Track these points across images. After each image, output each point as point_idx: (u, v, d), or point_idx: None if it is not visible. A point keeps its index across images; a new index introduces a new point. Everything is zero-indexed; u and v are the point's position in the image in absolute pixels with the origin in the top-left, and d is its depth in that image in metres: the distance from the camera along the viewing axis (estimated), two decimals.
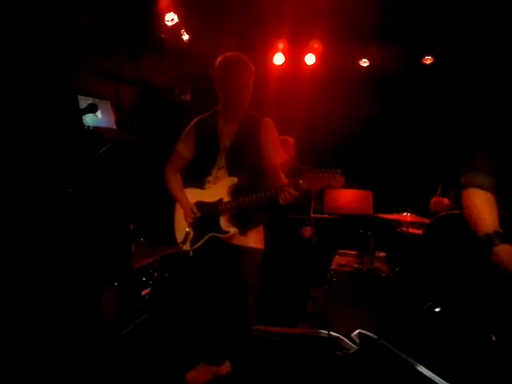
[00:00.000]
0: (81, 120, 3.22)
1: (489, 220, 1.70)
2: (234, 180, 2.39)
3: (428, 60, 4.93)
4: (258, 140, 2.43)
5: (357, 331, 1.09)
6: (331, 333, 1.10)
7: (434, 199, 3.78)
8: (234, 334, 2.46)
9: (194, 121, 2.60)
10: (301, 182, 2.11)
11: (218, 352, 2.57)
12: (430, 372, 0.99)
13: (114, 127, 3.70)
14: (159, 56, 4.40)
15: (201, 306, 2.56)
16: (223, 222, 2.39)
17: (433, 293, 1.82)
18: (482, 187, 1.74)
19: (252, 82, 2.42)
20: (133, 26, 3.98)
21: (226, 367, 2.57)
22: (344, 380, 1.07)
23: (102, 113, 3.57)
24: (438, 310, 1.59)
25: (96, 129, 3.41)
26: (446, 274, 1.80)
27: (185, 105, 4.42)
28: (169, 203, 2.67)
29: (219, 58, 2.43)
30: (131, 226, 3.47)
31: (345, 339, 1.11)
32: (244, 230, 2.44)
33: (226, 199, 2.38)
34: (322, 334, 1.14)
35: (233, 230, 2.39)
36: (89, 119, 3.35)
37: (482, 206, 1.73)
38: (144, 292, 3.29)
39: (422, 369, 1.00)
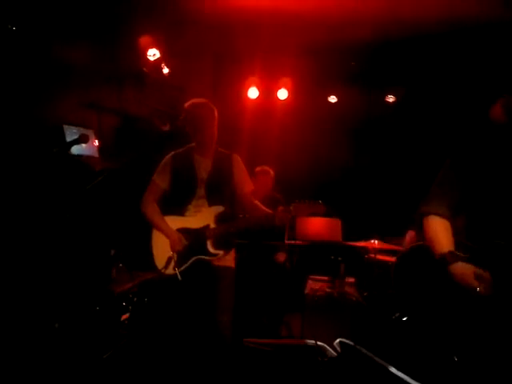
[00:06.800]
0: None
1: (445, 242, 1.87)
2: (220, 208, 2.67)
3: (391, 98, 5.34)
4: (232, 173, 2.76)
5: (338, 340, 1.26)
6: (318, 342, 1.26)
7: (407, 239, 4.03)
8: (213, 352, 2.58)
9: (169, 155, 2.83)
10: (291, 208, 2.45)
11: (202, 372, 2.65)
12: (400, 372, 1.17)
13: (97, 155, 3.82)
14: (140, 88, 4.59)
15: (182, 327, 2.66)
16: (210, 246, 2.63)
17: (406, 314, 1.99)
18: (439, 215, 1.94)
19: (215, 123, 2.72)
20: (116, 60, 4.17)
21: None
22: (328, 381, 1.23)
23: None
24: (405, 319, 1.78)
25: (79, 157, 3.52)
26: (418, 298, 1.94)
27: (164, 135, 4.58)
28: (146, 229, 2.80)
29: (186, 104, 2.72)
30: (112, 251, 3.55)
31: (328, 347, 1.27)
32: (228, 251, 2.70)
33: (212, 225, 2.64)
34: (309, 344, 1.29)
35: (221, 252, 2.65)
36: (73, 148, 3.46)
37: (439, 231, 1.92)
38: (124, 317, 3.33)
39: (393, 369, 1.17)
